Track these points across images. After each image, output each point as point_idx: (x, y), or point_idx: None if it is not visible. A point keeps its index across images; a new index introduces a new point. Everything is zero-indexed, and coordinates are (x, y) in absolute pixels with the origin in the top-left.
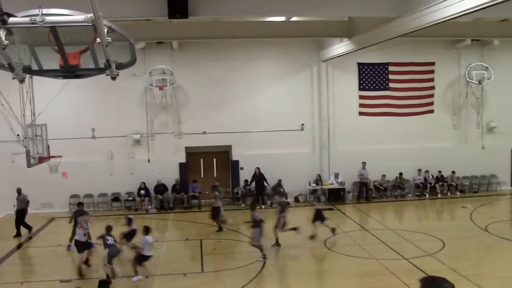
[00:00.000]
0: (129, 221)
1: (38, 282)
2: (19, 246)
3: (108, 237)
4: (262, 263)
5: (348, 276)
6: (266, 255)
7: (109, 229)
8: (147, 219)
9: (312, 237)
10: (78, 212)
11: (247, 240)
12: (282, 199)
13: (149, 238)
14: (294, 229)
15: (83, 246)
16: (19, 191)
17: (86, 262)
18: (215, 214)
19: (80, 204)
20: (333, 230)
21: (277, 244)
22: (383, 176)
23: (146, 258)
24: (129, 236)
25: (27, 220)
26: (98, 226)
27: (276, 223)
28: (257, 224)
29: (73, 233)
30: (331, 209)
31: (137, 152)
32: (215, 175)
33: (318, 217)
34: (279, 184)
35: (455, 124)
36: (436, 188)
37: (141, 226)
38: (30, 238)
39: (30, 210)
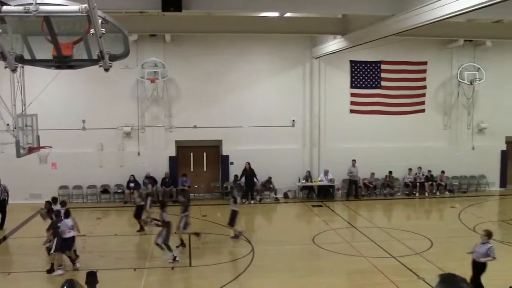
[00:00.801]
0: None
1: (25, 273)
2: (4, 238)
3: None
4: (249, 259)
5: (336, 273)
6: (176, 257)
7: (67, 214)
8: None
9: (236, 236)
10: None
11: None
12: (184, 198)
13: (68, 221)
14: (196, 234)
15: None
16: None
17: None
18: (138, 213)
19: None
20: (236, 237)
21: (182, 245)
22: (372, 174)
23: (67, 240)
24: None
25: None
26: (87, 219)
27: (178, 223)
28: (164, 224)
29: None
30: (320, 205)
31: (127, 144)
32: (205, 170)
33: (233, 220)
34: (269, 180)
35: (446, 124)
36: (425, 187)
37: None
38: None
39: (18, 201)
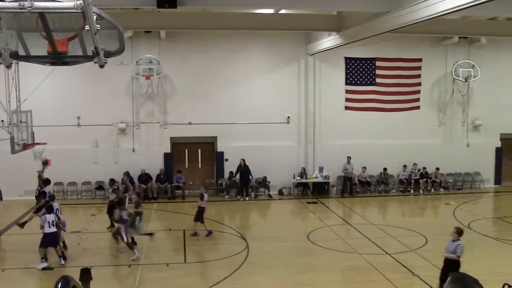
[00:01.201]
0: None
1: (19, 269)
2: None
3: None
4: (244, 256)
5: (330, 270)
6: (136, 252)
7: (49, 209)
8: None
9: (195, 234)
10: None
11: (231, 231)
12: (137, 197)
13: (49, 216)
14: (150, 234)
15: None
16: None
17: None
18: (110, 211)
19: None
20: (209, 233)
21: (150, 235)
22: (364, 168)
23: (46, 236)
24: None
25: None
26: (82, 215)
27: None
28: (121, 221)
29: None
30: (315, 202)
31: (122, 141)
32: (199, 166)
33: (200, 216)
34: (264, 180)
35: (441, 121)
36: (420, 184)
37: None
38: None
39: (13, 197)
